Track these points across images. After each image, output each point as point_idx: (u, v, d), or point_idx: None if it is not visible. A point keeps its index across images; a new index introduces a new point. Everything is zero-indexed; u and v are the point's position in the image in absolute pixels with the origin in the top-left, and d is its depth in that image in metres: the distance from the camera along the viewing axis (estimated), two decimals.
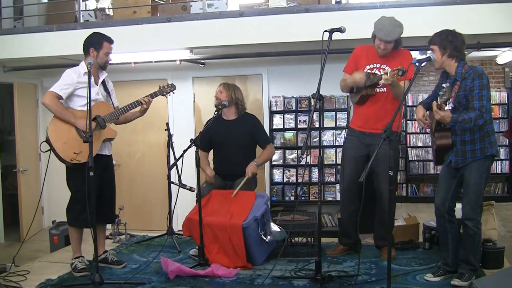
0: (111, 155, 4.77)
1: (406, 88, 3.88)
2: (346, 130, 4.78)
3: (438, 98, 3.62)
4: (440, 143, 3.99)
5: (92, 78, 4.38)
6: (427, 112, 4.12)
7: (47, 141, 4.36)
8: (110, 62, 4.63)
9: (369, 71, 4.52)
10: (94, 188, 3.99)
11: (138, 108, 4.67)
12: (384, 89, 4.50)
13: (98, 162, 4.17)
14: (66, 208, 4.60)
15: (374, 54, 4.57)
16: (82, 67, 4.49)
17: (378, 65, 4.53)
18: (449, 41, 3.88)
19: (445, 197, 4.04)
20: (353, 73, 4.56)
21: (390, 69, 4.33)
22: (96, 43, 4.51)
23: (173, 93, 4.92)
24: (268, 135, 6.39)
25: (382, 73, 4.36)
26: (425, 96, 9.82)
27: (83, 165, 4.10)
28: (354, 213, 4.66)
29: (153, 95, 4.72)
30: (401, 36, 4.45)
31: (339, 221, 4.90)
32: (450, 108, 3.76)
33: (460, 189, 4.03)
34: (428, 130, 4.31)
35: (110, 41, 4.58)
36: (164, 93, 4.83)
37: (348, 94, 4.82)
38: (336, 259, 4.72)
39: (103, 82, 4.66)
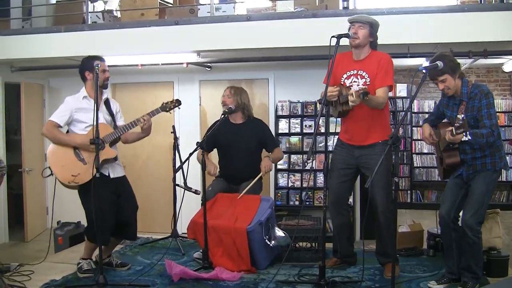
0: (123, 175, 4.74)
1: (412, 95, 3.88)
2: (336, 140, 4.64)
3: (453, 128, 3.57)
4: (449, 162, 4.04)
5: (93, 102, 4.39)
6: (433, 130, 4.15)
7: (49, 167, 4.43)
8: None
9: (346, 80, 4.37)
10: (106, 207, 4.18)
11: (139, 128, 4.58)
12: None
13: (107, 185, 4.25)
14: (85, 228, 4.66)
15: (350, 60, 4.40)
16: (82, 92, 4.54)
17: (355, 71, 4.34)
18: (454, 63, 3.87)
19: (451, 207, 4.04)
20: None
21: (367, 75, 4.26)
22: (89, 67, 4.50)
23: (178, 108, 4.79)
24: None
25: (357, 82, 4.28)
26: (431, 102, 9.91)
27: (90, 184, 4.18)
28: (343, 225, 4.60)
29: (152, 114, 4.58)
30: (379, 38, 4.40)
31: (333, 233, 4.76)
32: (466, 139, 3.65)
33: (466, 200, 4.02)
34: (433, 147, 4.27)
35: (100, 59, 4.57)
36: (167, 109, 4.68)
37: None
38: (339, 264, 4.71)
39: (107, 104, 4.64)
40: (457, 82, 3.91)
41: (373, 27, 4.35)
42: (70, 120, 4.45)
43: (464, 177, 4.02)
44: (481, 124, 3.80)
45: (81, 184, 4.35)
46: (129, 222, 4.64)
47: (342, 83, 4.36)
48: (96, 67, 4.18)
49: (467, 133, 3.55)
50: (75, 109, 4.44)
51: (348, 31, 4.30)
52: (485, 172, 3.91)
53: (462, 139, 3.58)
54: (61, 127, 4.44)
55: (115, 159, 4.54)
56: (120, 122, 4.70)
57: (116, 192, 4.50)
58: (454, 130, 3.56)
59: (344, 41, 4.13)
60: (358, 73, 4.33)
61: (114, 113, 4.68)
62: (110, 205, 4.36)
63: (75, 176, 4.35)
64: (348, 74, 4.38)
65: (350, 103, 3.95)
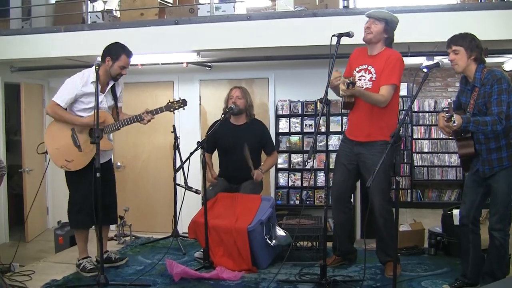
0: (110, 159, 4.78)
1: (413, 94, 3.86)
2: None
3: (445, 113, 3.52)
4: (462, 152, 3.92)
5: (100, 86, 4.38)
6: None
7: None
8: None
9: (356, 73, 4.38)
10: (90, 191, 4.07)
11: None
12: None
13: (92, 168, 4.12)
14: (67, 211, 4.64)
15: (365, 55, 4.42)
16: (91, 75, 4.41)
17: (365, 66, 4.35)
18: (475, 45, 3.78)
19: (471, 207, 3.93)
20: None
21: (375, 71, 4.26)
22: (114, 54, 4.46)
23: (183, 109, 4.69)
24: (274, 139, 6.39)
25: (365, 77, 4.29)
26: (431, 101, 9.91)
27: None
28: (345, 223, 4.59)
29: (156, 112, 4.55)
30: (397, 38, 4.40)
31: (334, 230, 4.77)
32: (454, 124, 3.52)
33: (486, 199, 3.92)
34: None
35: (128, 54, 4.52)
36: (172, 109, 4.60)
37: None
38: (340, 262, 4.70)
39: (113, 87, 4.61)
40: (470, 63, 3.78)
41: (389, 24, 4.33)
42: (72, 102, 4.43)
43: (480, 172, 3.86)
44: (489, 112, 3.65)
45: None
46: (111, 206, 4.67)
47: (353, 76, 4.35)
48: (96, 67, 4.14)
49: (453, 117, 3.44)
50: (80, 94, 4.39)
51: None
52: (504, 170, 3.74)
53: (451, 124, 3.47)
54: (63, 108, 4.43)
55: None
56: (120, 103, 4.73)
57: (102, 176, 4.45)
58: (445, 116, 3.49)
59: (345, 40, 4.12)
60: (368, 68, 4.34)
61: (118, 95, 4.68)
62: (92, 190, 4.22)
63: (69, 162, 4.38)
64: (359, 68, 4.39)
65: (341, 92, 4.03)
